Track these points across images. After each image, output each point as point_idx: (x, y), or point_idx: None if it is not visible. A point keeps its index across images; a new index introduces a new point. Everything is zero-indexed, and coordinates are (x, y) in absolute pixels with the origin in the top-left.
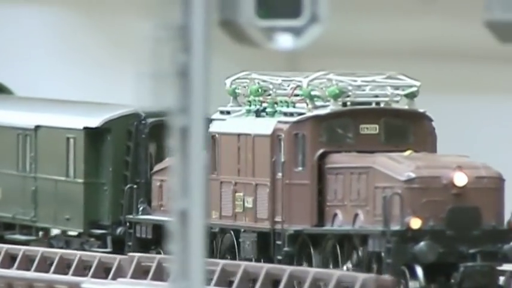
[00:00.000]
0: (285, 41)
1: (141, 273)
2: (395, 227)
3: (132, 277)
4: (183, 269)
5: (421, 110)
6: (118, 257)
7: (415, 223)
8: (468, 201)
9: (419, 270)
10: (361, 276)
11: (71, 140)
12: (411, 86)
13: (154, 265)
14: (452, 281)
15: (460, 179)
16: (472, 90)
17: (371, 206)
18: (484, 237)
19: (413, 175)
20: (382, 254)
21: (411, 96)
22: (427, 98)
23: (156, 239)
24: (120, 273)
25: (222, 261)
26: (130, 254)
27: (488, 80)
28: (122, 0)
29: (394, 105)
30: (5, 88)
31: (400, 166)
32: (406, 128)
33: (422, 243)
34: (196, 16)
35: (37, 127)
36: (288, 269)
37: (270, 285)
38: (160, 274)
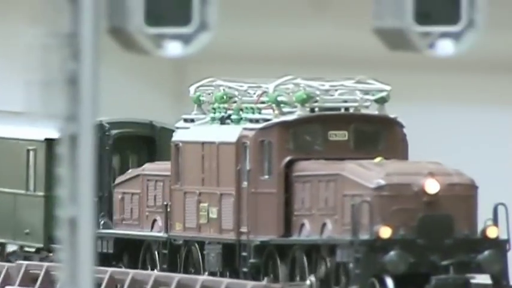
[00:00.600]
0: (173, 49)
1: (29, 281)
2: (364, 236)
3: (20, 285)
4: (72, 276)
5: (392, 116)
6: (6, 264)
7: (385, 232)
8: (440, 209)
9: (389, 282)
10: (250, 283)
11: (31, 152)
12: (381, 91)
13: (42, 273)
14: None
15: (432, 186)
16: None
17: (339, 215)
18: (457, 247)
19: (383, 182)
20: (351, 265)
21: (381, 101)
22: None
23: (118, 254)
24: (8, 281)
25: (110, 269)
26: (19, 262)
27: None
28: (9, 7)
29: (364, 111)
30: None
31: (370, 173)
32: (377, 135)
33: (392, 253)
34: (85, 24)
35: None
36: (176, 276)
37: None
38: (48, 282)
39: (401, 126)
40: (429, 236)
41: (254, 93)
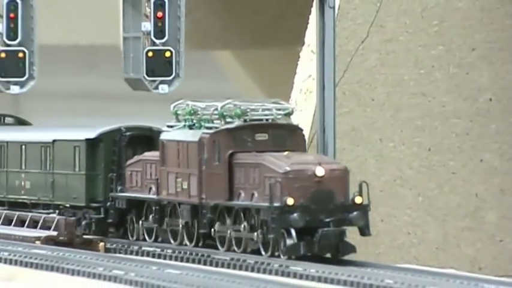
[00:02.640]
0: (14, 89)
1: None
2: (277, 203)
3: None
4: None
5: (295, 124)
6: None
7: (290, 201)
8: (325, 186)
9: (293, 232)
10: (58, 217)
11: (77, 148)
12: (287, 108)
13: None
14: (314, 239)
15: (320, 171)
16: None
17: (261, 189)
18: (336, 210)
19: (288, 168)
20: (268, 221)
21: (288, 114)
22: None
23: (129, 209)
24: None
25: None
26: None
27: None
28: None
29: (278, 121)
30: (26, 121)
31: (280, 162)
32: (286, 136)
33: (295, 214)
34: None
35: (54, 141)
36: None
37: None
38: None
39: (301, 130)
40: (318, 203)
41: (210, 110)
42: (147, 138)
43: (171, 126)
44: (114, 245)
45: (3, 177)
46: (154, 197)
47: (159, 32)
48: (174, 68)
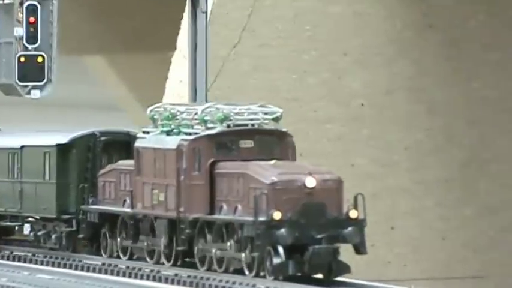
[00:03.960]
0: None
1: None
2: (262, 217)
3: None
4: None
5: (284, 129)
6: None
7: (277, 215)
8: (316, 198)
9: (280, 249)
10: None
11: (47, 154)
12: (276, 112)
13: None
14: (305, 258)
15: (310, 182)
16: None
17: (246, 202)
18: (328, 225)
19: (275, 179)
20: (254, 237)
21: (276, 119)
22: None
23: (101, 223)
24: None
25: None
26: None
27: None
28: None
29: (265, 126)
30: None
31: (267, 172)
32: (273, 143)
33: (282, 230)
34: None
35: (22, 147)
36: None
37: None
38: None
39: (291, 136)
40: (308, 217)
41: (190, 114)
42: (124, 144)
43: (147, 132)
44: None
45: None
46: (129, 210)
47: (31, 38)
48: (46, 73)
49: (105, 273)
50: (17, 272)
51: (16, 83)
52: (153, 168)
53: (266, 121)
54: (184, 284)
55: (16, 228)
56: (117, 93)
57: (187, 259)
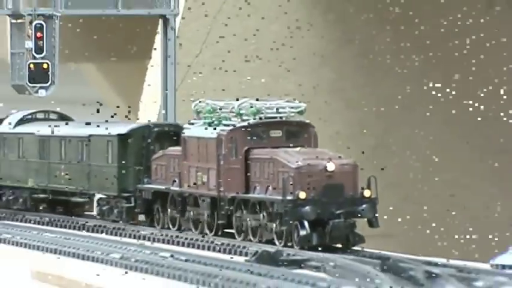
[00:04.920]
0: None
1: None
2: (289, 197)
3: None
4: None
5: (307, 121)
6: None
7: (302, 195)
8: (336, 180)
9: (306, 224)
10: None
11: (110, 142)
12: (300, 107)
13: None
14: (326, 230)
15: (331, 166)
16: None
17: (275, 183)
18: (346, 202)
19: (301, 164)
20: (282, 213)
21: (301, 112)
22: None
23: (154, 199)
24: None
25: None
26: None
27: None
28: None
29: (291, 118)
30: (68, 117)
31: (293, 158)
32: (298, 132)
33: (307, 207)
34: None
35: (90, 136)
36: None
37: None
38: None
39: (313, 127)
40: (329, 196)
41: (228, 108)
42: (173, 134)
43: (192, 124)
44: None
45: (46, 168)
46: (177, 189)
47: (39, 49)
48: (50, 77)
49: (157, 242)
50: (28, 231)
51: (27, 84)
52: (197, 154)
53: (292, 114)
54: (219, 250)
55: (85, 203)
56: (105, 94)
57: (226, 230)
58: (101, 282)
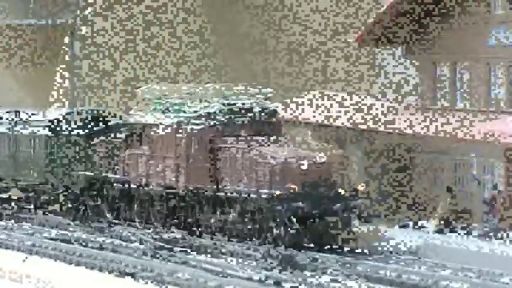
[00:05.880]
0: None
1: None
2: (276, 191)
3: None
4: None
5: (273, 107)
6: None
7: (286, 190)
8: (326, 175)
9: (293, 220)
10: None
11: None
12: (267, 93)
13: None
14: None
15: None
16: None
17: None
18: (340, 198)
19: (283, 160)
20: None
21: (268, 99)
22: None
23: None
24: None
25: None
26: None
27: None
28: None
29: (257, 105)
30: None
31: (275, 154)
32: (264, 121)
33: (299, 202)
34: None
35: None
36: None
37: None
38: None
39: (278, 113)
40: (321, 191)
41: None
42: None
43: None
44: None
45: None
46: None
47: None
48: None
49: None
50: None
51: None
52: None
53: (258, 100)
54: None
55: None
56: (17, 96)
57: None
58: None
